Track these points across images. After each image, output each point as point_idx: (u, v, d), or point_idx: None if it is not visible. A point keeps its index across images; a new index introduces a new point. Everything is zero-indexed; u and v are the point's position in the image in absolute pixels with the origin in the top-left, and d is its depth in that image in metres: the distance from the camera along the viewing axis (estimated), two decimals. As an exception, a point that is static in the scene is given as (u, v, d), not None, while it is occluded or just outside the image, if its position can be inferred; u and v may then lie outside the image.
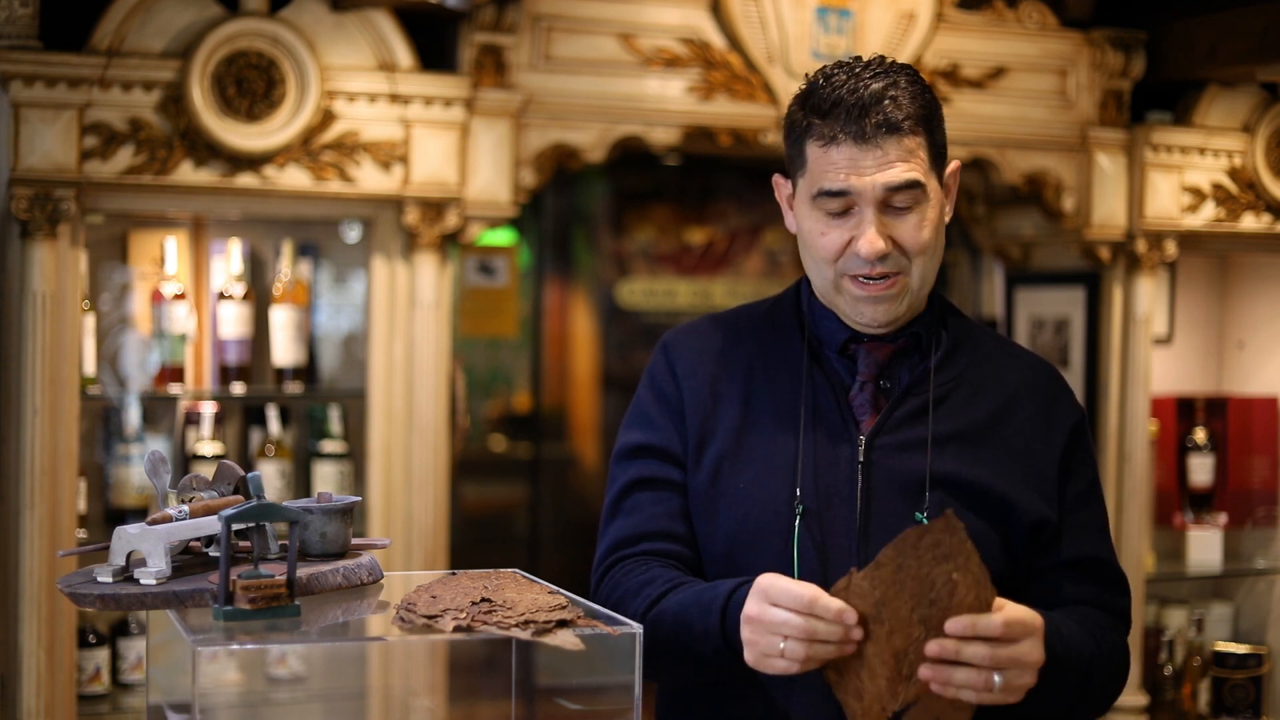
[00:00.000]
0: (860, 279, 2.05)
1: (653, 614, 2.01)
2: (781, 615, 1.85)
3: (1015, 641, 1.83)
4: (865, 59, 2.08)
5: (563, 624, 1.76)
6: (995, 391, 2.12)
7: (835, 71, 2.06)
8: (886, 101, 2.00)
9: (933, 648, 1.81)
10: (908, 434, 2.06)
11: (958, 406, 2.10)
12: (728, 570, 2.06)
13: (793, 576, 1.96)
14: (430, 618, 1.76)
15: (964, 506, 2.01)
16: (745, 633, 1.89)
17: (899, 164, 2.00)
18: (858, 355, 2.12)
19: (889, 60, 2.08)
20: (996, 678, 1.82)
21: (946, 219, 2.11)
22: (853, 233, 2.03)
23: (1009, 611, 1.83)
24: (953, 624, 1.80)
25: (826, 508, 2.04)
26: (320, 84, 3.73)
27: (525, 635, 1.73)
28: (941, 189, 2.09)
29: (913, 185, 2.02)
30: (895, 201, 2.02)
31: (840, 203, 2.03)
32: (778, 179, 2.16)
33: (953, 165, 2.12)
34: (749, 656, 1.89)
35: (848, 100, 2.00)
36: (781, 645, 1.84)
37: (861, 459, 2.05)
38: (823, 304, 2.14)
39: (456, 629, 1.74)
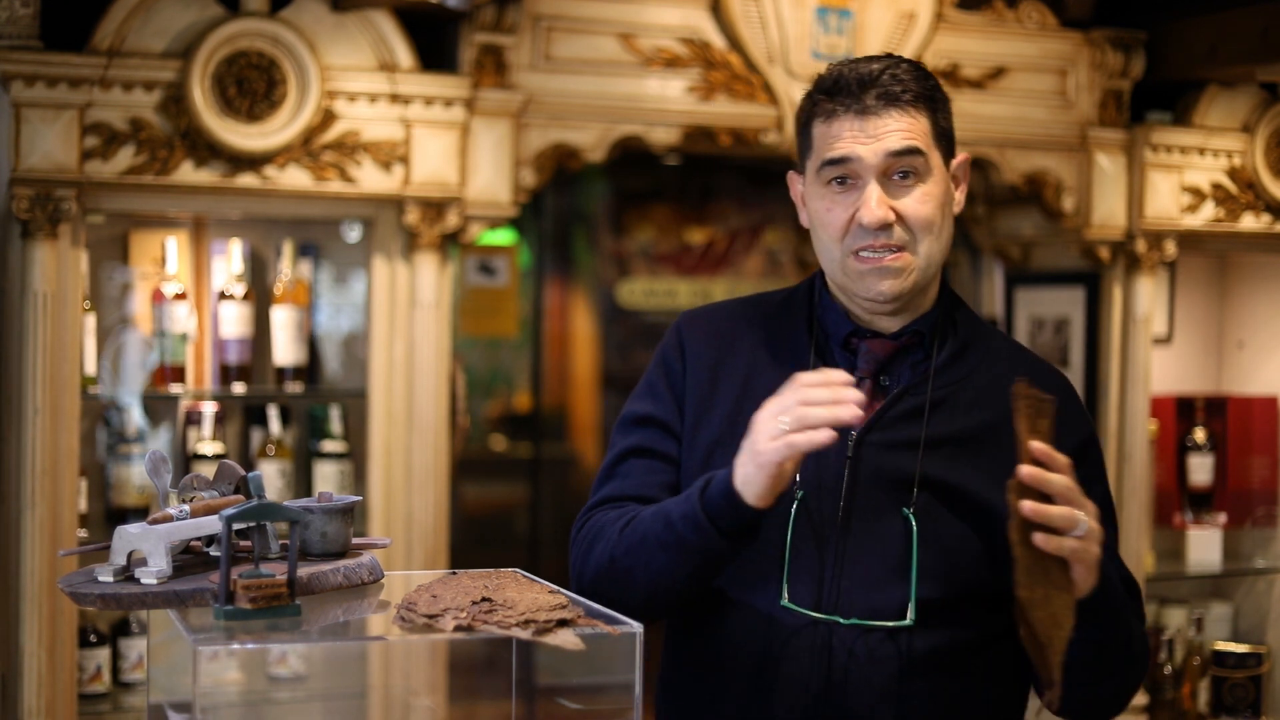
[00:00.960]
0: (865, 252, 2.07)
1: (632, 521, 2.05)
2: (777, 401, 1.91)
3: (1075, 488, 1.87)
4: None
5: (563, 623, 1.76)
6: (999, 399, 2.06)
7: (841, 61, 2.13)
8: (886, 76, 2.06)
9: (1025, 470, 1.85)
10: (900, 433, 2.07)
11: (957, 410, 2.10)
12: None
13: (784, 561, 2.03)
14: (431, 617, 1.76)
15: (948, 510, 2.03)
16: (746, 445, 1.92)
17: (898, 132, 2.05)
18: (859, 350, 2.13)
19: (896, 55, 2.13)
20: (1080, 516, 1.86)
21: (956, 209, 2.13)
22: (856, 205, 2.06)
23: None
24: (1036, 447, 1.86)
25: (812, 497, 2.07)
26: (321, 84, 3.73)
27: (525, 635, 1.73)
28: (948, 174, 2.11)
29: (913, 152, 2.05)
30: (897, 172, 2.06)
31: (843, 170, 2.06)
32: (792, 175, 2.20)
33: (961, 156, 2.15)
34: (747, 466, 1.91)
35: (849, 78, 2.07)
36: (784, 423, 1.88)
37: (850, 454, 2.07)
38: (831, 297, 2.16)
39: (457, 628, 1.74)
